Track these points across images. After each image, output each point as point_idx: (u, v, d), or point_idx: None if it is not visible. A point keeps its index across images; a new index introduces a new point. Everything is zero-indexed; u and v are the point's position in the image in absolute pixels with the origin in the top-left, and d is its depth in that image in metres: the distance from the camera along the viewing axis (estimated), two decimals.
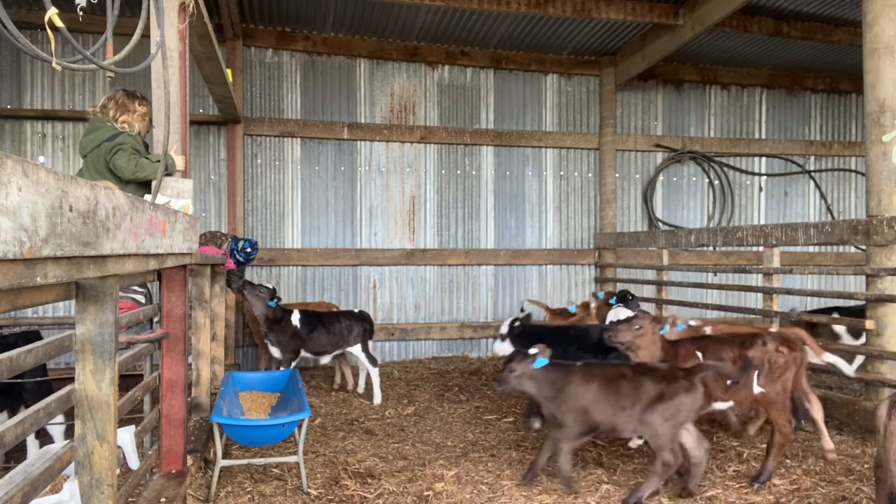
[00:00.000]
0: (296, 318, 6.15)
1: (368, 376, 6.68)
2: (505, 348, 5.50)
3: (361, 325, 6.41)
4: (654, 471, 3.72)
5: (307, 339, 6.17)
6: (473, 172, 9.00)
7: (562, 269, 9.28)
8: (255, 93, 8.26)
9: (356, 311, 6.66)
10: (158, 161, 3.88)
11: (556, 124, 9.25)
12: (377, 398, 6.32)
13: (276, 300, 6.03)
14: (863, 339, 5.81)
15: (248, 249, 6.36)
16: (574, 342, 5.28)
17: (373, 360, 6.40)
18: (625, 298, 6.67)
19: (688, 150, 9.54)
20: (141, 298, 4.15)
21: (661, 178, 9.58)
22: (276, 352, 6.13)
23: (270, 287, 6.10)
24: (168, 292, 3.39)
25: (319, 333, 6.21)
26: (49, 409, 1.94)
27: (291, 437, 4.49)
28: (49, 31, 2.00)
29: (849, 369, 4.88)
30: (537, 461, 4.13)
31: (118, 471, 2.38)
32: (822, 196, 10.01)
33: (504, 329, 5.60)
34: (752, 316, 7.19)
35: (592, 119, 9.34)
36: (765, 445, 4.83)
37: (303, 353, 6.24)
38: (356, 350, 6.38)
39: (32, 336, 4.17)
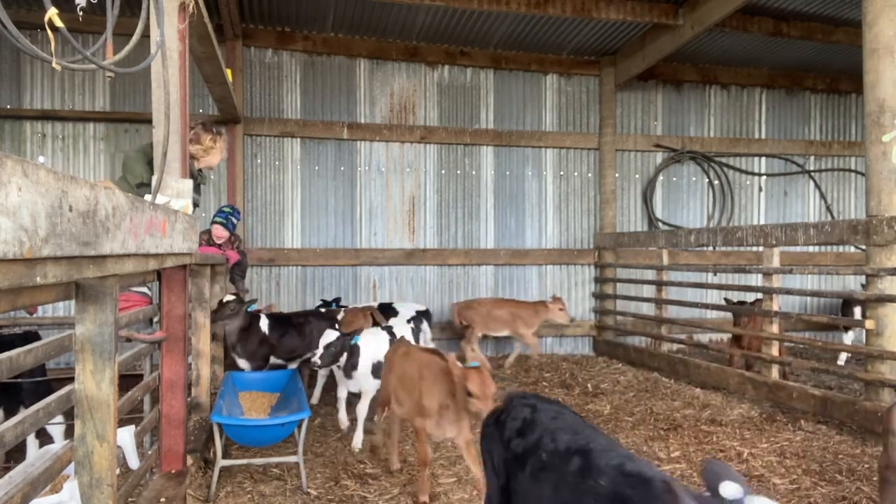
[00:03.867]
0: (264, 324, 5.80)
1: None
2: None
3: (328, 325, 6.12)
4: None
5: (277, 345, 5.84)
6: (473, 172, 8.99)
7: (562, 269, 9.27)
8: (254, 93, 8.26)
9: (322, 310, 6.45)
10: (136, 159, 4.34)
11: (556, 124, 9.25)
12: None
13: (251, 303, 5.65)
14: None
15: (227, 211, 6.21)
16: None
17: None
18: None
19: (688, 150, 9.53)
20: (145, 290, 4.22)
21: (660, 178, 9.57)
22: (243, 363, 5.70)
23: (234, 297, 5.48)
24: (168, 292, 3.38)
25: (291, 337, 5.93)
26: (49, 409, 1.94)
27: (291, 437, 4.49)
28: (49, 31, 2.00)
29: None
30: None
31: (118, 471, 2.38)
32: (822, 196, 10.01)
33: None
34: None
35: (592, 119, 9.34)
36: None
37: (272, 360, 5.92)
38: None
39: (32, 337, 4.17)
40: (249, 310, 5.65)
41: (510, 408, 2.52)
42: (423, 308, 7.22)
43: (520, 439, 2.33)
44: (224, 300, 5.41)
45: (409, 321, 6.32)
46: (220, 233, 6.15)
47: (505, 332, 7.79)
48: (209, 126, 4.82)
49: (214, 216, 6.28)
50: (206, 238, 6.07)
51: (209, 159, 4.81)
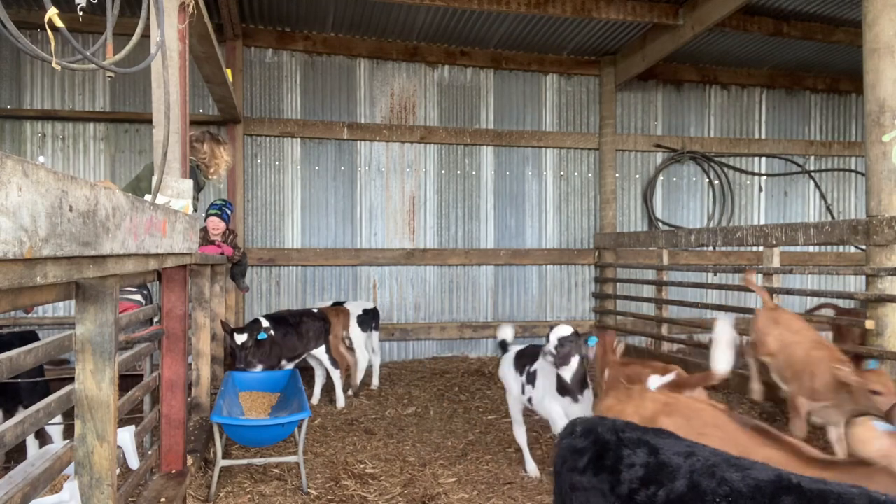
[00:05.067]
0: (266, 325, 5.74)
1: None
2: None
3: (323, 324, 6.16)
4: None
5: (283, 346, 5.83)
6: (473, 172, 8.99)
7: (562, 269, 9.27)
8: (255, 93, 8.26)
9: (315, 310, 6.42)
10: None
11: (556, 124, 9.25)
12: (340, 402, 6.20)
13: (258, 333, 5.61)
14: None
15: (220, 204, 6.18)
16: None
17: (335, 363, 6.19)
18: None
19: (688, 150, 9.53)
20: (139, 298, 4.18)
21: (661, 178, 9.57)
22: (258, 367, 5.64)
23: (245, 338, 5.47)
24: (168, 292, 3.39)
25: (292, 337, 5.89)
26: (49, 409, 1.94)
27: (291, 437, 4.49)
28: (49, 31, 2.00)
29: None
30: None
31: (118, 471, 2.38)
32: (822, 196, 10.01)
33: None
34: (751, 316, 7.16)
35: (592, 119, 9.34)
36: None
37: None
38: (320, 352, 6.11)
39: (29, 336, 4.16)
40: (260, 337, 5.59)
41: (608, 446, 2.10)
42: (370, 306, 7.08)
43: (653, 489, 1.92)
44: (239, 343, 5.36)
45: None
46: (216, 225, 5.98)
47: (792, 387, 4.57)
48: (218, 137, 5.15)
49: (207, 210, 6.10)
50: (202, 235, 6.02)
51: (219, 168, 5.08)
